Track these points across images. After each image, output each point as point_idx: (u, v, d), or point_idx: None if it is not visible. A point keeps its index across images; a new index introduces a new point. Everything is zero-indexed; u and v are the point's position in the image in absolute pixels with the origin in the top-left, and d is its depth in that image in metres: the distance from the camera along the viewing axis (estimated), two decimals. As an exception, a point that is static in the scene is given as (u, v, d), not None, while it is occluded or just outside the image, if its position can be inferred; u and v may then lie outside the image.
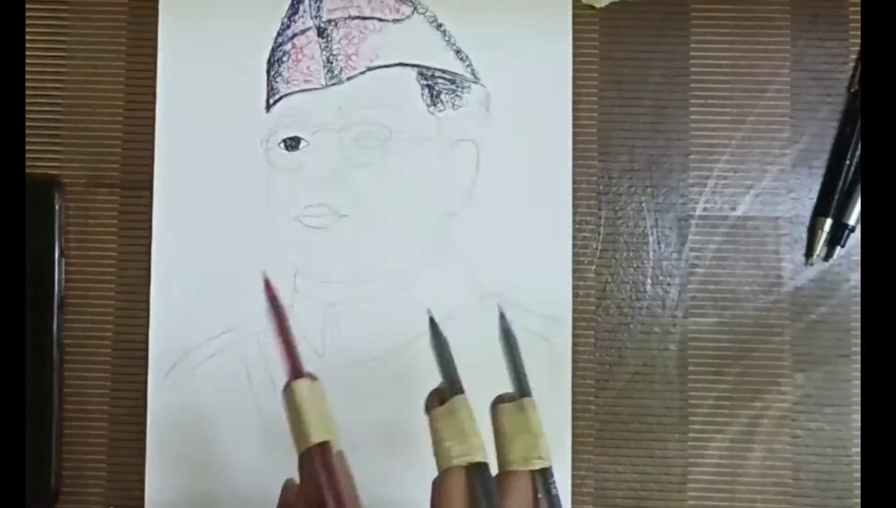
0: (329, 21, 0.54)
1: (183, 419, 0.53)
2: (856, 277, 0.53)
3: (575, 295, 0.53)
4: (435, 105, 0.54)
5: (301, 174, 0.53)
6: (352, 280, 0.53)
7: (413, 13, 0.54)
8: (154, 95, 0.54)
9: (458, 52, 0.54)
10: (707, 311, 0.53)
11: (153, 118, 0.54)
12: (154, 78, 0.54)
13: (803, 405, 0.53)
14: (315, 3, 0.54)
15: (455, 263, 0.49)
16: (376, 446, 0.52)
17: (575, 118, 0.54)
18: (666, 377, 0.53)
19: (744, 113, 0.54)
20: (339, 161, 0.53)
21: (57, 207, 0.53)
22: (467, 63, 0.54)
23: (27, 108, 0.54)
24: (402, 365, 0.49)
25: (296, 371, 0.39)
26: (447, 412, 0.41)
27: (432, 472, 0.40)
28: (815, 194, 0.54)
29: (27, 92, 0.54)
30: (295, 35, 0.54)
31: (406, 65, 0.54)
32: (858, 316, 0.53)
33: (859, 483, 0.51)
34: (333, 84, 0.54)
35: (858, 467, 0.52)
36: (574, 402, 0.52)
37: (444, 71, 0.54)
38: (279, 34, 0.54)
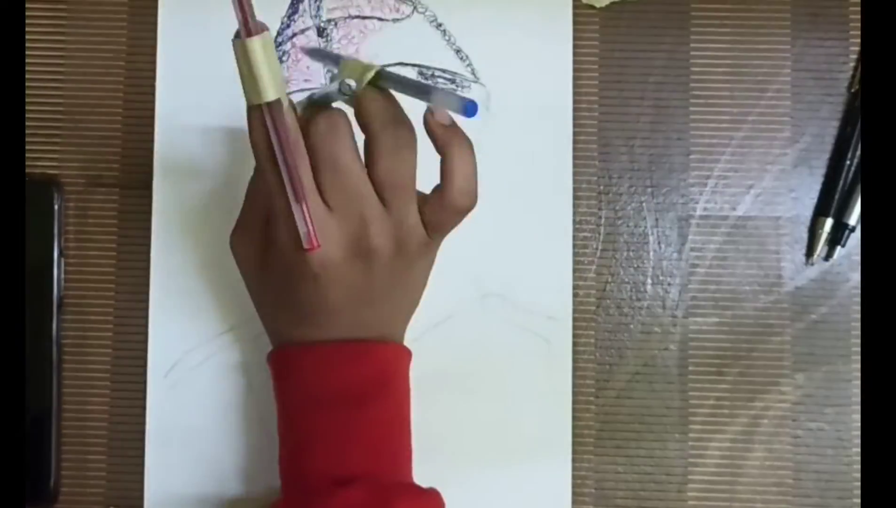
0: (329, 21, 0.54)
1: (182, 420, 0.53)
2: (856, 277, 0.53)
3: (575, 295, 0.53)
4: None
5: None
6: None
7: (413, 13, 0.54)
8: (154, 95, 0.54)
9: (458, 51, 0.54)
10: (707, 311, 0.53)
11: (153, 118, 0.54)
12: (154, 78, 0.54)
13: (804, 405, 0.53)
14: (315, 2, 0.54)
15: (455, 262, 0.49)
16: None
17: (575, 118, 0.54)
18: (666, 377, 0.53)
19: (744, 113, 0.54)
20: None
21: (56, 207, 0.53)
22: (467, 63, 0.54)
23: (27, 108, 0.54)
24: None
25: (249, 30, 0.40)
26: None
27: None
28: (815, 194, 0.54)
29: (27, 92, 0.54)
30: (295, 35, 0.54)
31: (406, 64, 0.54)
32: (859, 316, 0.53)
33: (859, 484, 0.51)
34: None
35: (859, 467, 0.52)
36: (574, 402, 0.52)
37: (444, 71, 0.54)
38: (279, 34, 0.54)
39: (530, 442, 0.52)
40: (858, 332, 0.52)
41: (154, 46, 0.54)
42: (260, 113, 0.41)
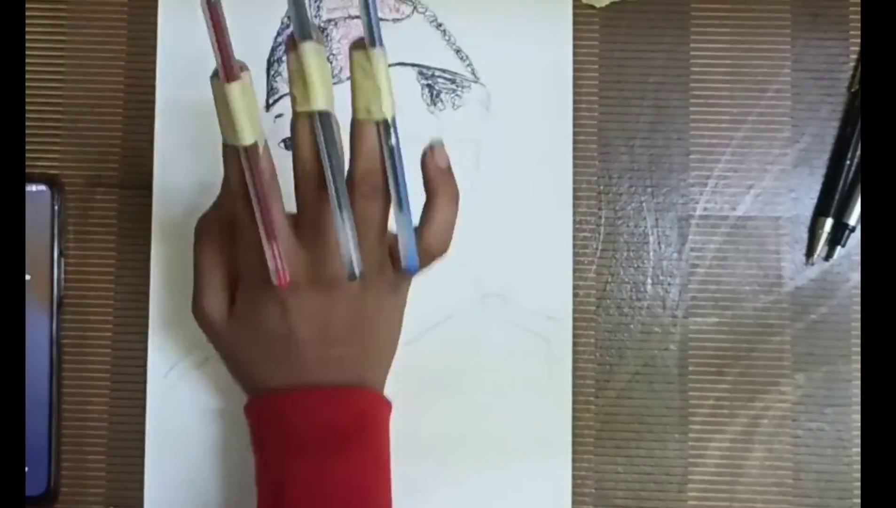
0: (329, 21, 0.54)
1: (182, 420, 0.53)
2: (856, 277, 0.53)
3: (575, 295, 0.53)
4: (435, 105, 0.54)
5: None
6: (352, 280, 0.53)
7: (413, 13, 0.54)
8: (154, 94, 0.54)
9: (458, 51, 0.54)
10: (707, 311, 0.53)
11: (153, 118, 0.54)
12: (154, 78, 0.54)
13: (804, 405, 0.53)
14: (315, 2, 0.54)
15: (455, 262, 0.49)
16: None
17: (575, 118, 0.54)
18: (666, 377, 0.53)
19: (744, 113, 0.54)
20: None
21: (56, 207, 0.53)
22: (467, 63, 0.54)
23: (27, 108, 0.54)
24: (403, 364, 0.49)
25: (228, 73, 0.40)
26: (294, 59, 0.40)
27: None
28: (815, 194, 0.54)
29: (27, 92, 0.54)
30: (295, 35, 0.54)
31: (406, 64, 0.54)
32: (859, 316, 0.53)
33: (859, 484, 0.51)
34: (333, 84, 0.54)
35: (859, 467, 0.52)
36: (574, 402, 0.52)
37: (444, 70, 0.54)
38: (279, 34, 0.54)
39: (530, 442, 0.52)
40: (858, 332, 0.52)
41: (154, 46, 0.54)
42: (235, 151, 0.41)
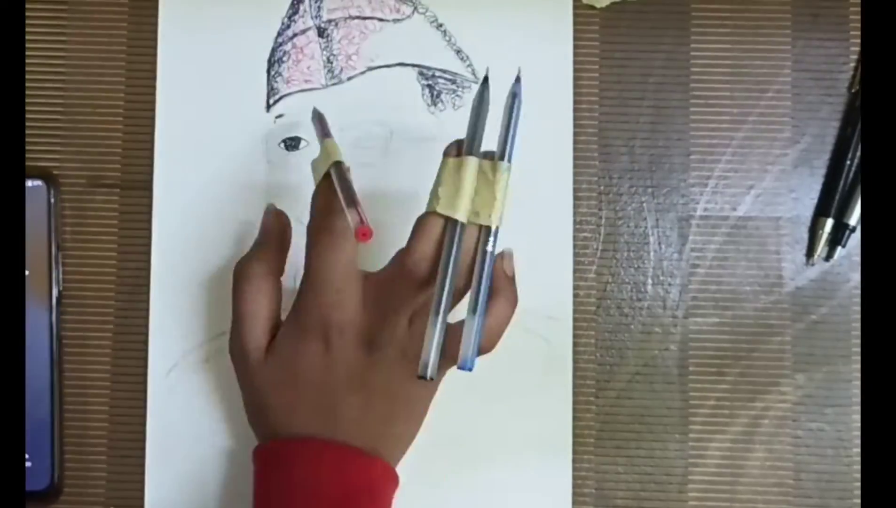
0: (329, 21, 0.54)
1: (182, 420, 0.52)
2: (857, 277, 0.53)
3: (575, 295, 0.53)
4: (435, 105, 0.54)
5: (301, 174, 0.53)
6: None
7: (413, 13, 0.54)
8: (154, 95, 0.54)
9: (458, 52, 0.54)
10: (708, 311, 0.53)
11: (153, 118, 0.54)
12: (154, 78, 0.54)
13: (804, 405, 0.53)
14: (315, 2, 0.54)
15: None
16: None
17: (575, 118, 0.54)
18: (666, 377, 0.53)
19: (744, 113, 0.54)
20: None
21: (52, 202, 0.53)
22: (467, 63, 0.54)
23: (27, 107, 0.54)
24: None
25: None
26: (456, 165, 0.44)
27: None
28: (815, 195, 0.54)
29: (27, 92, 0.54)
30: (295, 35, 0.54)
31: (406, 65, 0.54)
32: (859, 317, 0.52)
33: (860, 484, 0.51)
34: (334, 84, 0.54)
35: (859, 467, 0.52)
36: (574, 402, 0.52)
37: (444, 71, 0.54)
38: (279, 34, 0.54)
39: (530, 442, 0.52)
40: (859, 332, 0.52)
41: (154, 46, 0.54)
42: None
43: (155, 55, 0.54)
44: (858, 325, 0.52)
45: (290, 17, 0.54)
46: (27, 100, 0.54)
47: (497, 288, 0.46)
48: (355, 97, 0.54)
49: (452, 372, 0.50)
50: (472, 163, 0.44)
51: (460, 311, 0.45)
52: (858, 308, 0.53)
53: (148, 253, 0.53)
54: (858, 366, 0.52)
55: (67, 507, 0.52)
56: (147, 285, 0.53)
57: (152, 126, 0.54)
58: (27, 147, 0.53)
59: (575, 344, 0.53)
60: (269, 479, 0.46)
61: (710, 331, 0.53)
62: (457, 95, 0.54)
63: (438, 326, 0.43)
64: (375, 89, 0.54)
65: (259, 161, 0.54)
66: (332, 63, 0.54)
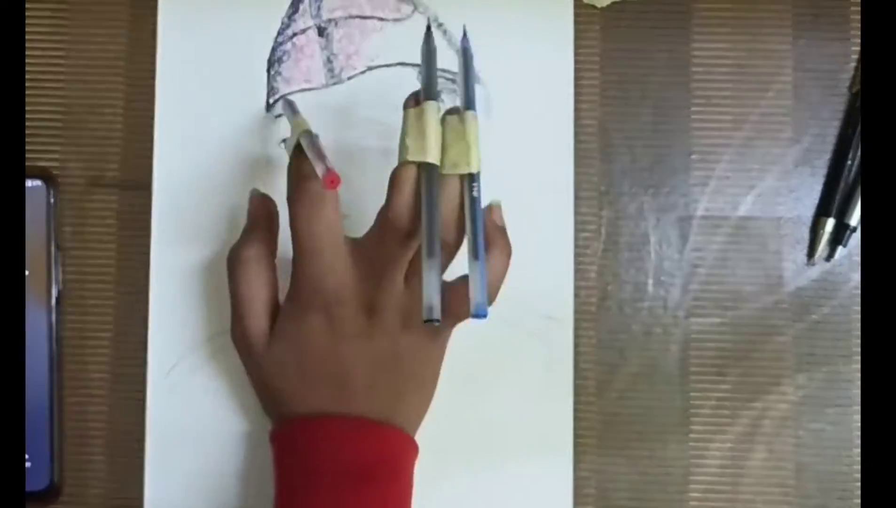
0: (329, 20, 0.54)
1: (182, 420, 0.52)
2: (857, 277, 0.53)
3: (576, 295, 0.53)
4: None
5: (301, 174, 0.53)
6: (352, 280, 0.53)
7: (413, 13, 0.54)
8: (154, 94, 0.54)
9: (458, 51, 0.54)
10: (709, 311, 0.53)
11: (153, 118, 0.54)
12: (154, 78, 0.54)
13: (805, 405, 0.53)
14: (315, 2, 0.54)
15: (455, 262, 0.49)
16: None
17: (576, 118, 0.54)
18: (667, 377, 0.53)
19: (745, 113, 0.54)
20: (339, 161, 0.52)
21: (52, 201, 0.52)
22: (468, 63, 0.54)
23: (27, 107, 0.54)
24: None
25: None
26: (417, 113, 0.45)
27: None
28: (816, 195, 0.54)
29: (27, 92, 0.54)
30: (295, 34, 0.54)
31: (406, 64, 0.54)
32: (860, 317, 0.52)
33: (860, 484, 0.51)
34: (334, 84, 0.54)
35: (859, 467, 0.52)
36: (575, 402, 0.52)
37: (444, 71, 0.54)
38: (279, 34, 0.54)
39: (531, 443, 0.52)
40: (859, 332, 0.52)
41: (154, 46, 0.54)
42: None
43: (155, 55, 0.54)
44: (859, 325, 0.52)
45: (290, 17, 0.54)
46: (27, 100, 0.54)
47: (490, 240, 0.46)
48: (355, 97, 0.54)
49: (455, 365, 0.50)
50: (431, 106, 0.45)
51: (454, 270, 0.45)
52: (859, 308, 0.53)
53: (147, 253, 0.53)
54: (859, 366, 0.52)
55: (67, 507, 0.52)
56: (146, 285, 0.53)
57: (152, 126, 0.54)
58: (27, 147, 0.53)
59: (576, 344, 0.53)
60: (290, 461, 0.46)
61: (711, 331, 0.53)
62: (457, 95, 0.54)
63: (434, 267, 0.43)
64: (375, 89, 0.54)
65: (259, 161, 0.53)
66: (332, 63, 0.54)
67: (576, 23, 0.54)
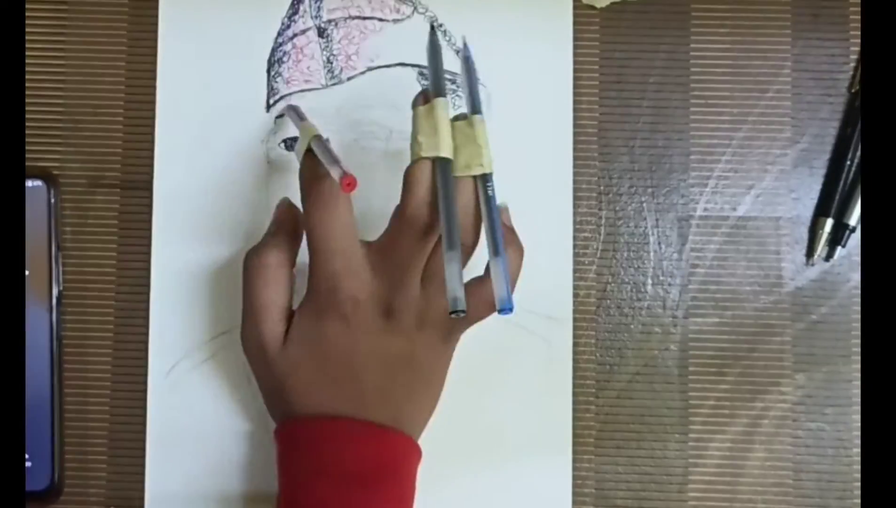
0: (329, 21, 0.54)
1: (183, 420, 0.52)
2: (857, 277, 0.53)
3: (575, 295, 0.53)
4: (435, 105, 0.54)
5: (301, 174, 0.53)
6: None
7: (413, 13, 0.54)
8: (154, 95, 0.54)
9: (458, 52, 0.54)
10: (708, 311, 0.53)
11: (153, 118, 0.54)
12: (154, 78, 0.54)
13: (804, 405, 0.53)
14: (315, 3, 0.54)
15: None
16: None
17: (575, 118, 0.54)
18: (666, 377, 0.53)
19: (744, 113, 0.54)
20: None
21: (52, 202, 0.53)
22: (468, 63, 0.54)
23: (27, 107, 0.54)
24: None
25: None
26: (427, 110, 0.46)
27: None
28: (815, 195, 0.54)
29: (27, 92, 0.54)
30: (295, 35, 0.54)
31: (406, 65, 0.54)
32: (859, 317, 0.53)
33: (859, 484, 0.51)
34: (334, 84, 0.54)
35: (859, 467, 0.52)
36: (574, 402, 0.52)
37: (444, 71, 0.54)
38: (279, 34, 0.54)
39: (530, 442, 0.52)
40: (859, 332, 0.52)
41: (154, 46, 0.54)
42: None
43: (155, 55, 0.54)
44: (858, 325, 0.52)
45: (290, 18, 0.54)
46: (27, 100, 0.54)
47: (504, 240, 0.45)
48: (355, 97, 0.54)
49: (455, 365, 0.50)
50: (440, 103, 0.45)
51: (468, 273, 0.45)
52: (858, 308, 0.53)
53: (148, 253, 0.53)
54: (858, 366, 0.52)
55: (67, 507, 0.52)
56: (147, 285, 0.53)
57: (152, 126, 0.54)
58: (27, 147, 0.53)
59: (575, 344, 0.53)
60: (294, 459, 0.47)
61: (710, 331, 0.53)
62: (457, 95, 0.54)
63: (455, 260, 0.43)
64: (375, 89, 0.54)
65: (259, 161, 0.54)
66: (332, 63, 0.54)
67: (575, 23, 0.54)
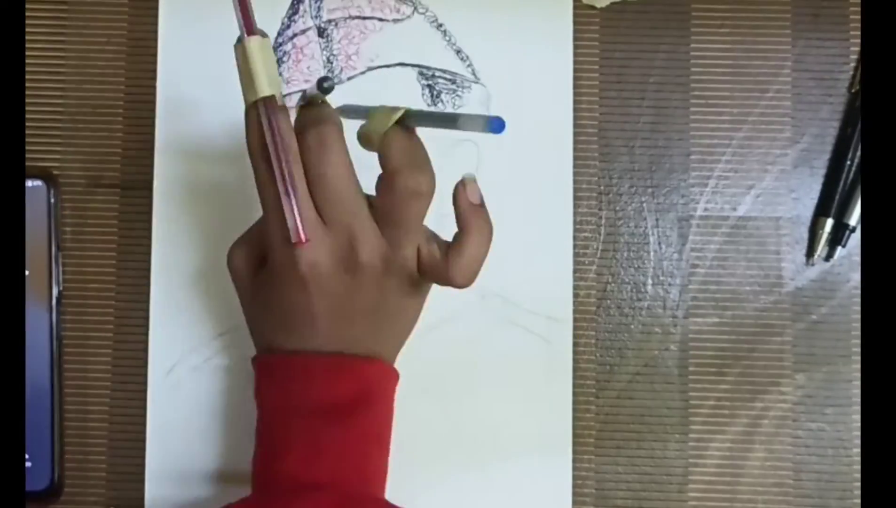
0: (329, 21, 0.54)
1: (183, 420, 0.52)
2: (857, 277, 0.53)
3: (576, 295, 0.53)
4: (435, 105, 0.54)
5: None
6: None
7: (413, 13, 0.54)
8: (154, 95, 0.54)
9: (458, 52, 0.54)
10: (708, 311, 0.53)
11: (153, 118, 0.54)
12: (154, 78, 0.54)
13: (804, 405, 0.53)
14: (315, 3, 0.54)
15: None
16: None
17: (575, 118, 0.54)
18: (667, 377, 0.53)
19: (744, 113, 0.54)
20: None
21: (52, 202, 0.53)
22: (467, 63, 0.54)
23: (27, 107, 0.54)
24: (404, 364, 0.49)
25: (249, 28, 0.42)
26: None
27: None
28: (815, 195, 0.54)
29: (27, 92, 0.54)
30: (295, 35, 0.54)
31: (406, 65, 0.54)
32: (859, 317, 0.53)
33: (859, 484, 0.51)
34: (335, 83, 0.54)
35: (859, 467, 0.52)
36: (575, 402, 0.52)
37: (444, 71, 0.54)
38: (279, 34, 0.54)
39: (531, 442, 0.52)
40: (859, 332, 0.52)
41: (154, 46, 0.54)
42: (256, 112, 0.42)
43: (155, 55, 0.54)
44: (858, 325, 0.52)
45: (290, 17, 0.54)
46: (27, 100, 0.54)
47: (466, 219, 0.43)
48: (355, 97, 0.54)
49: (455, 365, 0.50)
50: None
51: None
52: (858, 308, 0.53)
53: (148, 253, 0.53)
54: (858, 366, 0.52)
55: (67, 507, 0.52)
56: (147, 285, 0.53)
57: (152, 126, 0.54)
58: (27, 147, 0.53)
59: (575, 344, 0.53)
60: (268, 393, 0.46)
61: (710, 331, 0.53)
62: (457, 95, 0.54)
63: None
64: (375, 89, 0.54)
65: (259, 161, 0.53)
66: (332, 63, 0.54)
67: (575, 23, 0.54)
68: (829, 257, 0.53)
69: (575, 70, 0.54)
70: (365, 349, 0.46)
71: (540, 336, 0.53)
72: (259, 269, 0.46)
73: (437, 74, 0.54)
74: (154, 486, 0.52)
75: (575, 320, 0.53)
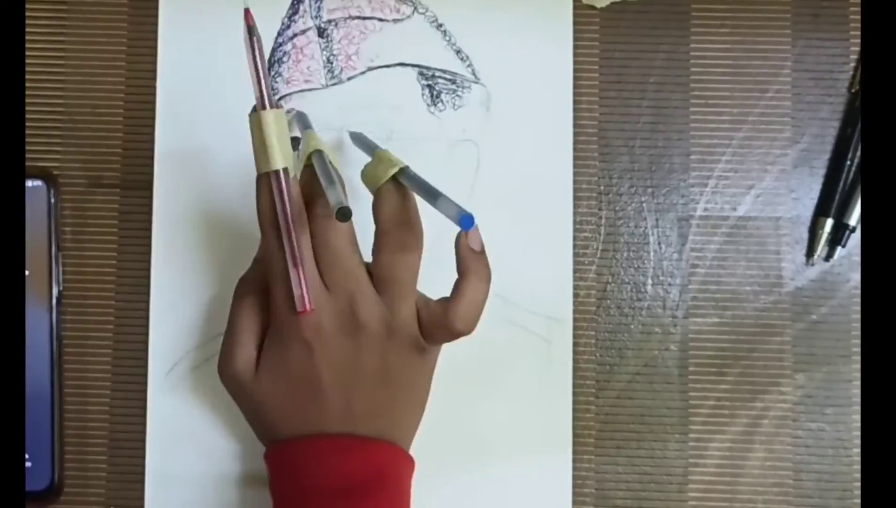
0: (329, 21, 0.54)
1: (182, 420, 0.52)
2: (857, 277, 0.53)
3: (575, 295, 0.53)
4: (435, 105, 0.54)
5: (301, 174, 0.53)
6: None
7: (413, 13, 0.54)
8: (154, 95, 0.54)
9: (458, 52, 0.54)
10: (708, 311, 0.53)
11: (153, 118, 0.54)
12: (154, 78, 0.54)
13: (804, 405, 0.53)
14: (315, 3, 0.54)
15: (455, 263, 0.49)
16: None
17: (575, 118, 0.54)
18: (666, 377, 0.53)
19: (744, 113, 0.54)
20: (339, 161, 0.53)
21: (52, 202, 0.53)
22: (468, 63, 0.54)
23: (27, 107, 0.54)
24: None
25: (263, 101, 0.43)
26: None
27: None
28: (815, 195, 0.54)
29: (27, 92, 0.54)
30: (295, 35, 0.54)
31: (406, 65, 0.54)
32: (859, 317, 0.53)
33: (859, 484, 0.51)
34: (334, 84, 0.54)
35: (859, 467, 0.52)
36: (574, 402, 0.52)
37: (444, 71, 0.54)
38: (279, 34, 0.54)
39: (530, 442, 0.52)
40: (859, 332, 0.52)
41: (154, 46, 0.54)
42: (268, 181, 0.44)
43: (155, 55, 0.54)
44: (858, 325, 0.52)
45: (290, 18, 0.54)
46: (27, 100, 0.54)
47: (466, 265, 0.44)
48: (355, 97, 0.54)
49: (455, 365, 0.50)
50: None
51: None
52: (858, 308, 0.53)
53: (148, 253, 0.53)
54: (858, 366, 0.52)
55: (67, 507, 0.53)
56: (147, 285, 0.53)
57: (152, 126, 0.54)
58: (27, 147, 0.53)
59: (575, 344, 0.53)
60: (282, 481, 0.46)
61: (709, 331, 0.53)
62: (457, 95, 0.54)
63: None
64: (375, 89, 0.54)
65: (259, 161, 0.54)
66: (332, 63, 0.54)
67: (575, 23, 0.54)
68: (829, 257, 0.53)
69: (575, 70, 0.54)
70: (375, 430, 0.46)
71: (540, 336, 0.53)
72: (258, 363, 0.47)
73: (437, 73, 0.54)
74: (154, 486, 0.52)
75: (575, 320, 0.53)
